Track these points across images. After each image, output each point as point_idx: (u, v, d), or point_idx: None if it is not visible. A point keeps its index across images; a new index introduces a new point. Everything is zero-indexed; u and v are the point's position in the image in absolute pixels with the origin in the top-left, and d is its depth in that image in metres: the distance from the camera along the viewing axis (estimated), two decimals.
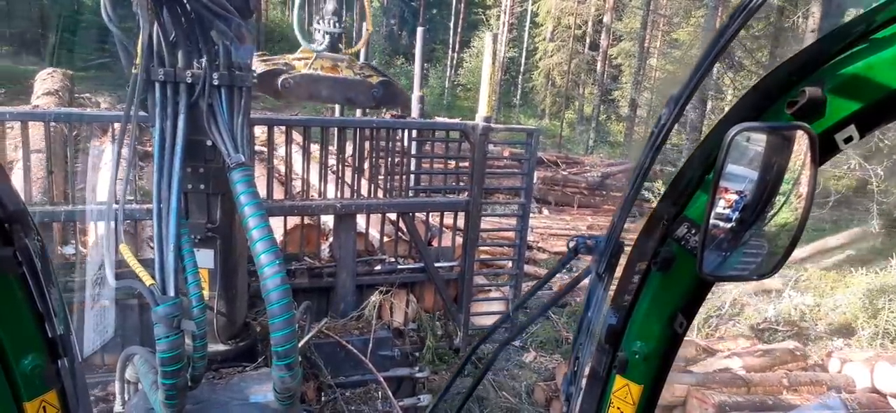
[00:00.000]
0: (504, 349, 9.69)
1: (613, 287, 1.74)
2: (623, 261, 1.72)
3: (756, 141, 1.40)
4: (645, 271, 1.65)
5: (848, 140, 1.35)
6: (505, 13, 41.40)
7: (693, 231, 1.53)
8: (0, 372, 1.49)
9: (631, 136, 35.36)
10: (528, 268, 11.76)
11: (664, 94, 1.56)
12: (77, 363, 1.65)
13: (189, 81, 3.70)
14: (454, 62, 44.00)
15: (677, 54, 33.16)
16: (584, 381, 1.82)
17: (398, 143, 7.56)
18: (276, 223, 6.78)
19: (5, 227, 1.45)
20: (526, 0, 42.72)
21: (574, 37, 40.84)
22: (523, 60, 43.55)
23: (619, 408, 1.74)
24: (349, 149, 7.67)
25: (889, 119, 1.32)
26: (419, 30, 10.60)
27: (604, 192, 21.07)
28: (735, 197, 1.41)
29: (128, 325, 5.97)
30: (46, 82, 13.27)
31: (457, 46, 44.32)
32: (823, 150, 1.33)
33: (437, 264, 7.65)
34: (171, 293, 3.54)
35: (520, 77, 43.91)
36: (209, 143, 3.96)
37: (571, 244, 1.80)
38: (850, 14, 1.37)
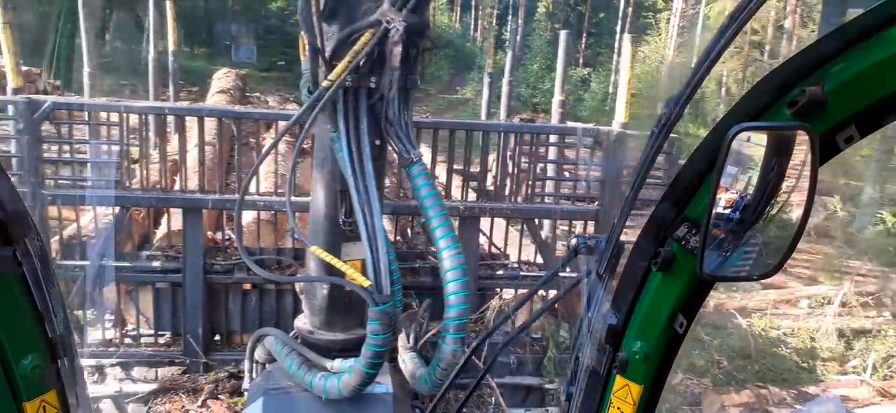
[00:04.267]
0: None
1: (614, 287, 1.74)
2: (624, 261, 1.71)
3: (757, 141, 1.38)
4: (645, 271, 1.65)
5: (849, 140, 1.34)
6: (675, 16, 39.85)
7: (693, 231, 1.52)
8: (0, 372, 1.50)
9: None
10: None
11: None
12: (77, 363, 1.65)
13: (372, 86, 3.86)
14: (617, 67, 43.12)
15: None
16: (584, 381, 1.83)
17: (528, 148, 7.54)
18: None
19: (5, 227, 1.44)
20: (699, 2, 40.89)
21: (750, 43, 38.47)
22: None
23: (619, 408, 1.73)
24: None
25: (890, 119, 1.31)
26: (563, 33, 10.56)
27: None
28: (735, 197, 1.41)
29: (265, 308, 6.50)
30: (221, 81, 14.71)
31: (622, 51, 43.29)
32: (824, 150, 1.32)
33: (561, 274, 7.51)
34: (387, 292, 3.70)
35: None
36: (377, 142, 4.05)
37: (572, 244, 1.82)
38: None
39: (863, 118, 1.30)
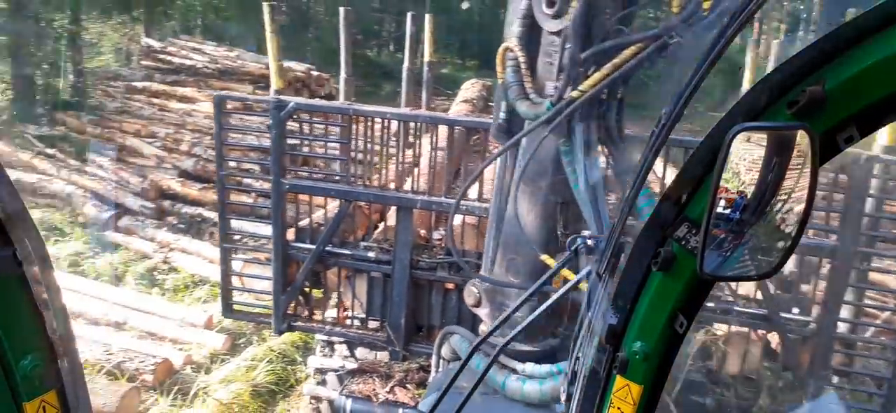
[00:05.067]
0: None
1: (614, 287, 1.74)
2: (624, 261, 1.71)
3: (756, 141, 1.40)
4: (645, 271, 1.65)
5: (849, 140, 1.35)
6: None
7: (693, 231, 1.54)
8: (0, 372, 1.50)
9: None
10: None
11: None
12: (77, 363, 1.65)
13: (604, 96, 3.91)
14: None
15: None
16: (584, 381, 1.84)
17: None
18: None
19: (5, 227, 1.44)
20: None
21: None
22: None
23: (619, 408, 1.74)
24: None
25: (890, 119, 1.32)
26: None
27: None
28: (735, 197, 1.42)
29: (463, 307, 6.74)
30: (467, 91, 15.39)
31: None
32: (824, 150, 1.33)
33: (785, 314, 6.69)
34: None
35: None
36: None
37: (572, 245, 1.81)
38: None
39: (863, 118, 1.31)
